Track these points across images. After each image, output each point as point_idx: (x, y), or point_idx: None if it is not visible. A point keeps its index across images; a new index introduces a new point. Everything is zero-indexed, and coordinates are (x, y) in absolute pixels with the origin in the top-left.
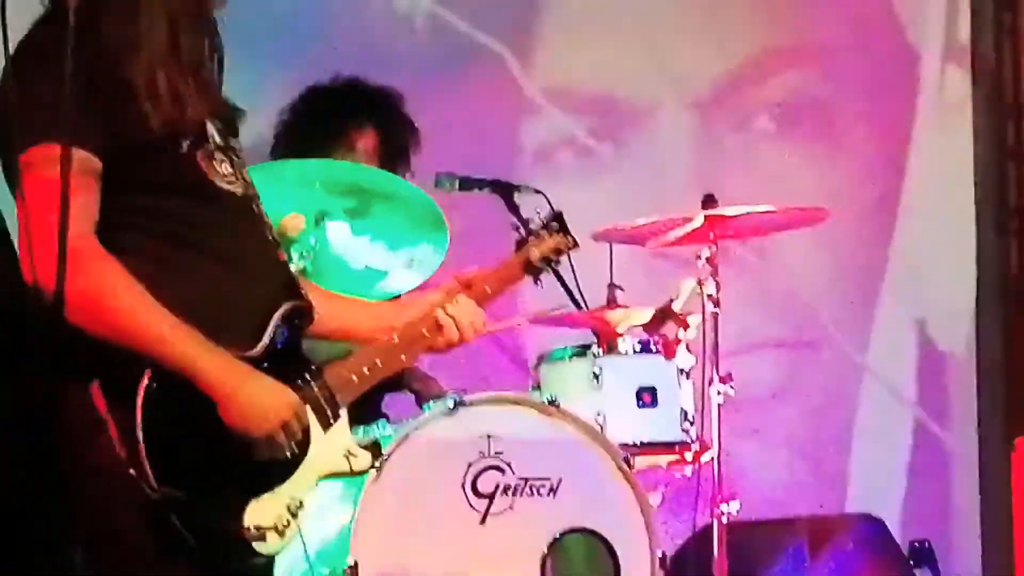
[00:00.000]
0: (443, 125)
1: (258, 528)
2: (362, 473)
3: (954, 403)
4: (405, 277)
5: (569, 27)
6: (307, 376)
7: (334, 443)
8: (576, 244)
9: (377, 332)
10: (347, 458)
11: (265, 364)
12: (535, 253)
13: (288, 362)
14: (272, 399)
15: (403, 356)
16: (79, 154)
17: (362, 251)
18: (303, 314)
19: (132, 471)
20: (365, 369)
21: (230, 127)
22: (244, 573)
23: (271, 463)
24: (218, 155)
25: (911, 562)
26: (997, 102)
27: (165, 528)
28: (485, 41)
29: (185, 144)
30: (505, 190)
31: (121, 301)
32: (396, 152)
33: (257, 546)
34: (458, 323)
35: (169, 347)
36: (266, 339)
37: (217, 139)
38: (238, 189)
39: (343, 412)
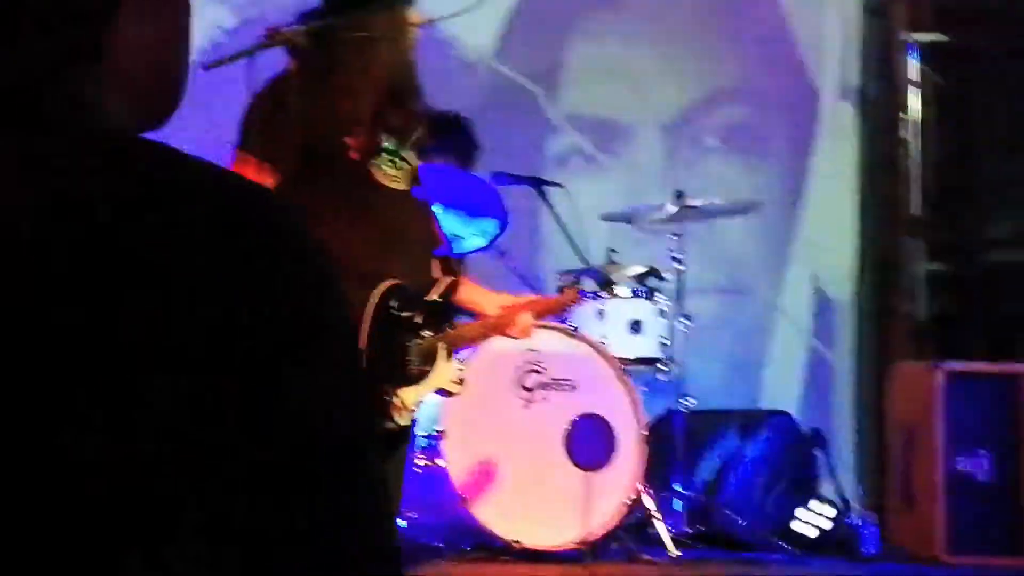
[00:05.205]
0: (496, 140)
1: (401, 402)
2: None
3: (839, 335)
4: (476, 240)
5: (581, 74)
6: (449, 325)
7: (449, 369)
8: (582, 300)
9: (486, 313)
10: (452, 382)
11: (435, 308)
12: (566, 302)
13: (443, 313)
14: None
15: (491, 334)
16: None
17: (449, 224)
18: (455, 287)
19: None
20: (475, 334)
21: (415, 146)
22: (385, 430)
23: (419, 372)
24: (388, 162)
25: (808, 442)
26: (875, 129)
27: None
28: (524, 83)
29: (362, 156)
30: (539, 184)
31: None
32: (468, 158)
33: (394, 414)
34: (521, 328)
35: None
36: (435, 295)
37: (394, 148)
38: (400, 186)
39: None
